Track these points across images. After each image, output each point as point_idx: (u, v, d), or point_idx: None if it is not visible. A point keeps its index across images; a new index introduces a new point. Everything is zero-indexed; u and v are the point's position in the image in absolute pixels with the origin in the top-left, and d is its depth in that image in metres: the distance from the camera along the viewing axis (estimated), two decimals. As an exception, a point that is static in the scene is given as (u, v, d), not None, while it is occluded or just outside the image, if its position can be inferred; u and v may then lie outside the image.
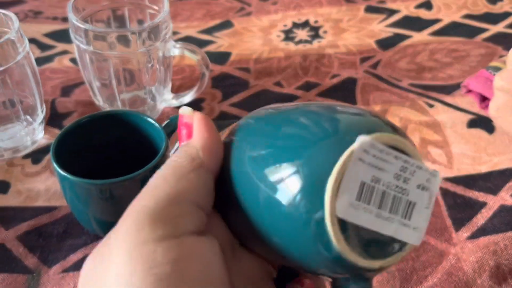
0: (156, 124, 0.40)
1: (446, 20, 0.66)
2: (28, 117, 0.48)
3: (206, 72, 0.50)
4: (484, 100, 0.52)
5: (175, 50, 0.48)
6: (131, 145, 0.43)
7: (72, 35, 0.47)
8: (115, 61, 0.46)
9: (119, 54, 0.46)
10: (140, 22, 0.52)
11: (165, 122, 0.42)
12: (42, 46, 0.63)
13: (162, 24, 0.46)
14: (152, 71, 0.48)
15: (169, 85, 0.52)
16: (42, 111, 0.49)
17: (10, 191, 0.46)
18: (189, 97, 0.52)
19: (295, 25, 0.66)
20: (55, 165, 0.37)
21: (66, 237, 0.42)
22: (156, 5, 0.50)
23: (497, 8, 0.68)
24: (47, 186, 0.46)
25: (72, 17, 0.45)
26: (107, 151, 0.43)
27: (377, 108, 0.53)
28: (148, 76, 0.49)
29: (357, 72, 0.58)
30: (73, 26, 0.46)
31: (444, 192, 0.44)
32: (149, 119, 0.41)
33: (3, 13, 0.46)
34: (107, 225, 0.40)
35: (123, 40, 0.46)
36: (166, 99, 0.53)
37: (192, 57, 0.49)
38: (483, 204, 0.43)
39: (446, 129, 0.50)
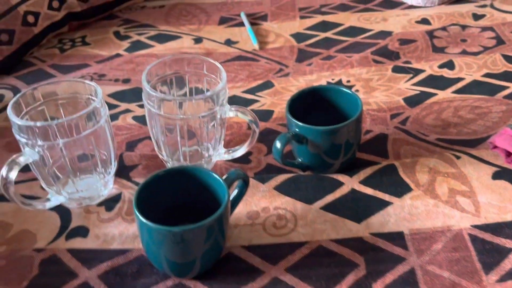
0: (220, 180, 0.47)
1: (468, 79, 0.73)
2: (102, 169, 0.56)
3: (256, 130, 0.57)
4: (509, 155, 0.57)
5: (230, 112, 0.56)
6: (197, 195, 0.50)
7: (145, 101, 0.55)
8: (180, 122, 0.54)
9: (184, 118, 0.54)
10: (198, 88, 0.60)
11: (225, 176, 0.49)
12: (107, 106, 0.72)
13: (221, 91, 0.54)
14: (211, 130, 0.56)
15: (223, 141, 0.60)
16: (114, 165, 0.57)
17: (89, 235, 0.53)
18: (240, 151, 0.59)
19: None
20: (137, 212, 0.44)
21: (139, 276, 0.48)
22: (213, 74, 0.58)
23: (515, 67, 0.75)
24: (120, 231, 0.53)
25: (146, 86, 0.53)
26: (177, 200, 0.50)
27: (407, 160, 0.59)
28: (207, 134, 0.56)
29: (388, 128, 0.64)
30: (146, 94, 0.54)
31: (473, 238, 0.49)
32: (214, 174, 0.48)
33: (88, 83, 0.55)
34: (177, 266, 0.46)
35: (188, 104, 0.54)
36: (220, 153, 0.60)
37: (245, 118, 0.56)
38: (509, 250, 0.48)
39: (472, 180, 0.56)
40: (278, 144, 0.54)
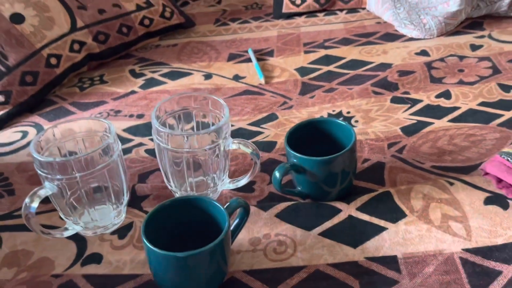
0: (221, 208, 0.51)
1: (464, 108, 0.76)
2: (115, 200, 0.60)
3: (257, 161, 0.61)
4: (500, 181, 0.59)
5: (233, 145, 0.60)
6: (200, 223, 0.54)
7: (154, 136, 0.60)
8: (186, 155, 0.58)
9: (191, 151, 0.58)
10: (204, 122, 0.65)
11: (226, 205, 0.53)
12: (122, 140, 0.77)
13: (224, 126, 0.58)
14: (215, 161, 0.60)
15: (227, 172, 0.64)
16: (127, 195, 0.61)
17: (103, 261, 0.57)
18: (243, 181, 0.63)
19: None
20: (144, 240, 0.48)
21: (148, 299, 0.52)
22: (217, 110, 0.63)
23: (510, 95, 0.77)
24: (131, 258, 0.57)
25: (155, 123, 0.58)
26: (182, 228, 0.54)
27: (402, 187, 0.62)
28: (212, 165, 0.60)
29: (385, 157, 0.68)
30: (155, 130, 0.59)
31: (464, 262, 0.51)
32: (216, 203, 0.52)
33: (102, 121, 0.60)
34: (182, 288, 0.50)
35: (194, 138, 0.58)
36: (224, 183, 0.64)
37: (246, 150, 0.60)
38: (498, 273, 0.50)
39: (465, 205, 0.58)
40: (277, 174, 0.58)
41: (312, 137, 0.63)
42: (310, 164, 0.57)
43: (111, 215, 0.60)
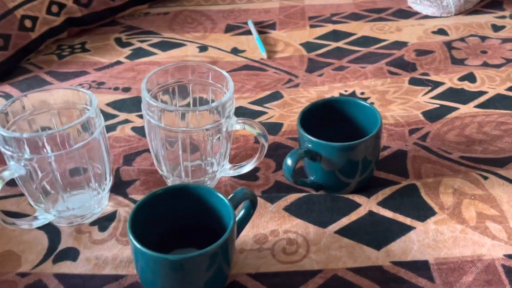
0: (225, 200, 0.42)
1: (491, 93, 0.68)
2: (96, 185, 0.51)
3: (265, 144, 0.52)
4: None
5: (237, 125, 0.51)
6: (199, 216, 0.45)
7: (144, 111, 0.50)
8: (182, 135, 0.49)
9: (187, 130, 0.49)
10: (202, 98, 0.55)
11: (230, 196, 0.44)
12: (105, 115, 0.68)
13: (227, 102, 0.49)
14: (216, 143, 0.51)
15: (228, 156, 0.55)
16: (110, 180, 0.52)
17: (79, 258, 0.48)
18: (247, 167, 0.54)
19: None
20: (131, 236, 0.39)
21: (133, 306, 0.43)
22: (219, 83, 0.54)
23: (540, 81, 0.70)
24: (114, 255, 0.48)
25: (146, 95, 0.49)
26: (176, 221, 0.45)
27: (429, 180, 0.54)
28: (211, 148, 0.51)
29: (407, 144, 0.60)
30: (145, 103, 0.50)
31: (508, 270, 0.44)
32: (218, 194, 0.43)
33: (82, 91, 0.50)
34: (177, 297, 0.41)
35: (191, 115, 0.49)
36: (225, 169, 0.55)
37: (253, 131, 0.52)
38: (548, 284, 0.42)
39: (503, 203, 0.51)
40: (289, 162, 0.49)
41: (328, 119, 0.55)
42: (328, 150, 0.49)
43: (91, 202, 0.51)
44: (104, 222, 0.51)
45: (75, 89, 0.50)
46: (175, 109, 0.49)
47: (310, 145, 0.50)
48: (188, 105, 0.56)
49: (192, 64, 0.54)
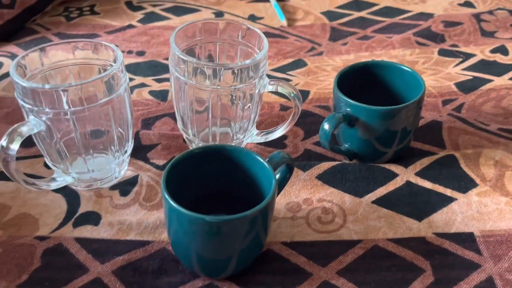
0: (265, 163, 0.39)
1: (525, 66, 0.65)
2: (118, 147, 0.48)
3: (299, 106, 0.49)
4: None
5: (269, 86, 0.48)
6: (233, 180, 0.42)
7: (172, 68, 0.47)
8: (213, 95, 0.46)
9: (218, 89, 0.46)
10: (231, 57, 0.52)
11: (267, 159, 0.41)
12: (120, 79, 0.64)
13: (262, 62, 0.46)
14: (245, 108, 0.48)
15: (256, 121, 0.52)
16: (132, 142, 0.49)
17: (101, 222, 0.45)
18: (277, 133, 0.51)
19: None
20: (166, 196, 0.36)
21: (162, 274, 0.40)
22: (249, 42, 0.50)
23: None
24: (138, 220, 0.45)
25: (176, 49, 0.45)
26: (209, 184, 0.42)
27: (468, 151, 0.51)
28: (242, 111, 0.48)
29: (441, 115, 0.57)
30: (174, 58, 0.46)
31: (557, 244, 0.42)
32: (257, 156, 0.40)
33: (107, 44, 0.47)
34: (209, 263, 0.38)
35: (223, 73, 0.46)
36: (252, 135, 0.52)
37: (286, 93, 0.48)
38: None
39: (547, 176, 0.48)
40: (326, 126, 0.46)
41: (365, 84, 0.51)
42: (368, 115, 0.46)
43: (112, 165, 0.48)
44: (125, 186, 0.48)
45: (98, 43, 0.47)
46: (207, 64, 0.46)
47: (348, 109, 0.47)
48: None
49: (221, 20, 0.51)
